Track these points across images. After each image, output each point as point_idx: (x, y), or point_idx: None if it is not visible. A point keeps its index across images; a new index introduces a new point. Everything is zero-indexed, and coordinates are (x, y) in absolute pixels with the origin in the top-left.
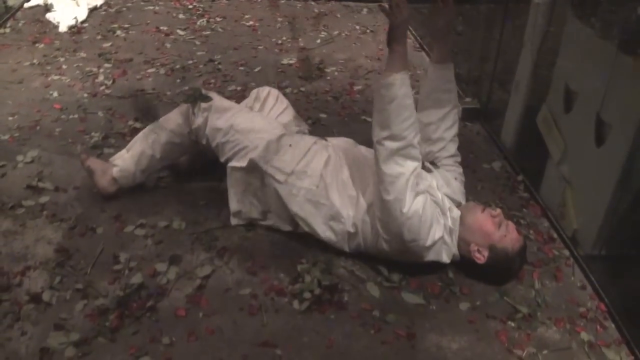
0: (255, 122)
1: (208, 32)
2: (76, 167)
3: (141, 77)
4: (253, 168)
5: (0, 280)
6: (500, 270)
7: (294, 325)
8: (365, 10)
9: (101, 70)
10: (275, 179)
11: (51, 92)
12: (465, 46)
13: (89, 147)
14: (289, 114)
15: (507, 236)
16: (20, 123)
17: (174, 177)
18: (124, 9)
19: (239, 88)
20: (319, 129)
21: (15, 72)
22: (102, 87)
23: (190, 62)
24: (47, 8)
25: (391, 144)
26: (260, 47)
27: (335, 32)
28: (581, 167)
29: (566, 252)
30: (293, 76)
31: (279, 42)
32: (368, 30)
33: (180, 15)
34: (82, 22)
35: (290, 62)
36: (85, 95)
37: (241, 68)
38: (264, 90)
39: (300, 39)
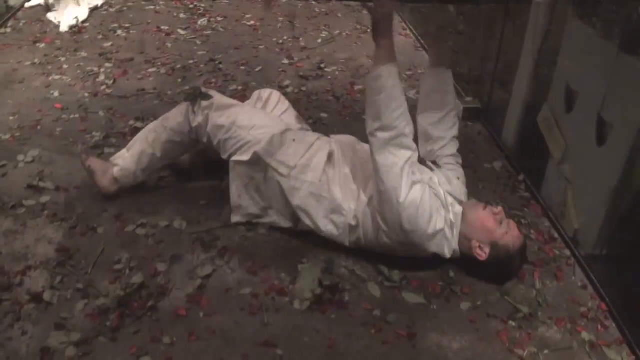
0: (257, 118)
1: (209, 32)
2: (77, 167)
3: (142, 77)
4: (256, 161)
5: (1, 280)
6: (501, 267)
7: (295, 325)
8: (366, 10)
9: (102, 69)
10: (278, 172)
11: (52, 91)
12: (466, 46)
13: (90, 146)
14: (291, 114)
15: (509, 233)
16: (21, 123)
17: (174, 177)
18: (125, 8)
19: (239, 88)
20: (320, 128)
21: (16, 72)
22: (103, 87)
23: (191, 61)
24: (48, 8)
25: (383, 135)
26: (261, 47)
27: (337, 32)
28: (582, 166)
29: (567, 252)
30: (294, 76)
31: (280, 41)
32: (369, 30)
33: (181, 15)
34: (83, 21)
35: (291, 62)
36: (86, 94)
37: (242, 68)
38: (266, 91)
39: (301, 39)
